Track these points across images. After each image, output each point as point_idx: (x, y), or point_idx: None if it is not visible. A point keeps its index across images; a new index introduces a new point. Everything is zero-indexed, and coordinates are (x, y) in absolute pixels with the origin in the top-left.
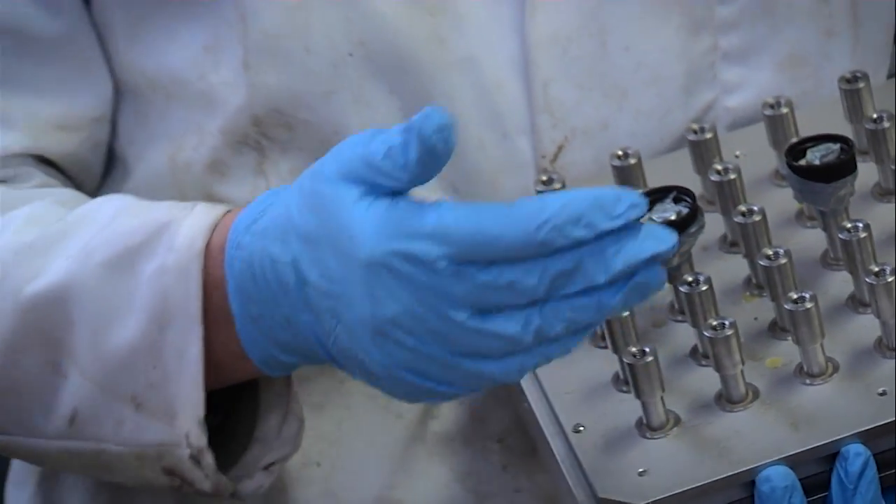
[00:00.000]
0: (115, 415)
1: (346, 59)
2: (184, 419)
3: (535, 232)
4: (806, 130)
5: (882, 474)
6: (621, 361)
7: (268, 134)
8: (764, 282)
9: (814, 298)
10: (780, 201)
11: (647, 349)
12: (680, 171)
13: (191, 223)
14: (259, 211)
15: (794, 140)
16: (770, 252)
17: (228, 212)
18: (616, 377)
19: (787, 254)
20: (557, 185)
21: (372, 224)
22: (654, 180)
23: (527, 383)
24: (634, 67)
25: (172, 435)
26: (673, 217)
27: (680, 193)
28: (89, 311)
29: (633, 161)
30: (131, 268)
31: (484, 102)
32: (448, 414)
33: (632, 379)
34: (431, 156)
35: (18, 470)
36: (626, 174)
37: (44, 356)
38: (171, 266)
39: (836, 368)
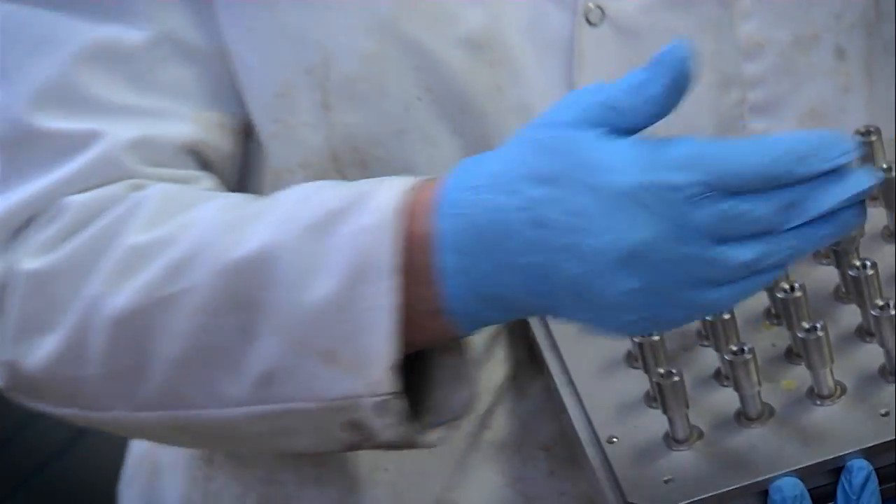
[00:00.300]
0: (307, 370)
1: (415, 103)
2: (374, 368)
3: (771, 165)
4: None
5: (883, 487)
6: (651, 381)
7: (344, 171)
8: (781, 312)
9: (824, 328)
10: None
11: (675, 370)
12: None
13: (387, 189)
14: (468, 173)
15: None
16: (787, 286)
17: (424, 180)
18: (647, 394)
19: (802, 288)
20: None
21: (623, 157)
22: None
23: (568, 399)
24: (670, 118)
25: (361, 385)
26: None
27: None
28: (288, 271)
29: None
30: (330, 230)
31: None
32: (501, 425)
33: (660, 396)
34: (677, 87)
35: (130, 471)
36: None
37: (238, 320)
38: (368, 225)
39: (843, 391)
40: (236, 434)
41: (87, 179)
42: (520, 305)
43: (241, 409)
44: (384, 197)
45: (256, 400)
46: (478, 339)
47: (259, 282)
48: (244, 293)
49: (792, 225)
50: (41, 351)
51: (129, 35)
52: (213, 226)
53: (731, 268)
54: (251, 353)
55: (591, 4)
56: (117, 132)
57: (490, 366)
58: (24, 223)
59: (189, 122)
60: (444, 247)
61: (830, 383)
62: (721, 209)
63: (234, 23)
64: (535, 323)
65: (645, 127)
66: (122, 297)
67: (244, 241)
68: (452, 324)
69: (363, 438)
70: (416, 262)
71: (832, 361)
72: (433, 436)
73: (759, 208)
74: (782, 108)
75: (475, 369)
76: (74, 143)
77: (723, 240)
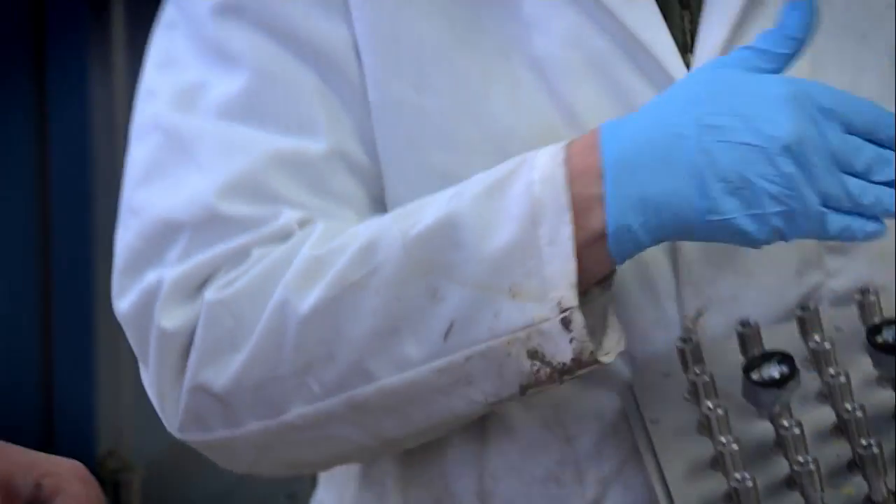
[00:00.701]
0: (492, 309)
1: None
2: (556, 289)
3: (880, 118)
4: (889, 313)
5: None
6: (729, 484)
7: None
8: (844, 429)
9: (879, 444)
10: (864, 366)
11: (749, 475)
12: (790, 339)
13: (545, 150)
14: (623, 118)
15: (875, 322)
16: (849, 406)
17: (575, 139)
18: (727, 495)
19: (862, 408)
20: (693, 344)
21: (773, 78)
22: (770, 344)
23: (661, 495)
24: (759, 254)
25: (544, 309)
26: (776, 376)
27: (783, 357)
28: (470, 229)
29: (752, 330)
30: (503, 190)
31: (643, 275)
32: None
33: (737, 498)
34: (808, 24)
35: None
36: (747, 339)
37: (427, 284)
38: (538, 178)
39: None
40: (414, 397)
41: (266, 243)
42: (676, 206)
43: (424, 367)
44: (547, 154)
45: (439, 354)
46: (588, 440)
47: (444, 246)
48: (431, 258)
49: (877, 179)
50: (232, 365)
51: (310, 147)
52: (384, 221)
53: (845, 193)
54: (437, 311)
55: None
56: (293, 215)
57: (600, 462)
58: (207, 277)
59: (354, 222)
60: (609, 164)
61: (884, 492)
62: (844, 138)
63: (387, 160)
64: (636, 427)
65: (786, 66)
66: (312, 295)
67: (422, 218)
68: (609, 250)
69: (542, 365)
70: (582, 194)
71: (886, 473)
72: (608, 355)
73: (866, 150)
74: (856, 250)
75: (615, 319)
76: (254, 223)
77: (840, 164)
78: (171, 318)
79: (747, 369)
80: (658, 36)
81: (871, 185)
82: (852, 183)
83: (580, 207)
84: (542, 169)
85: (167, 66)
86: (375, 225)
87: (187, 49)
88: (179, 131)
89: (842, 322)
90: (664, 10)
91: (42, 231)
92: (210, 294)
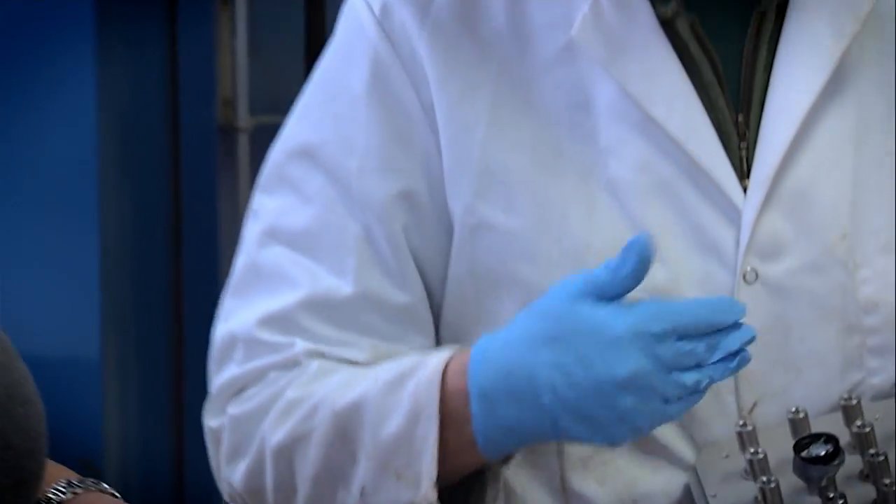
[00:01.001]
0: (385, 484)
1: None
2: (424, 483)
3: (708, 317)
4: None
5: None
6: None
7: None
8: (884, 501)
9: None
10: None
11: None
12: (835, 425)
13: (438, 354)
14: (490, 341)
15: None
16: (888, 481)
17: (460, 349)
18: None
19: None
20: (749, 428)
21: (610, 315)
22: (817, 429)
23: None
24: (806, 353)
25: (417, 496)
26: (823, 453)
27: (829, 438)
28: (374, 414)
29: (801, 416)
30: (401, 384)
31: None
32: None
33: None
34: (642, 268)
35: None
36: (797, 425)
37: (346, 449)
38: (423, 381)
39: None
40: None
41: (280, 368)
42: (534, 433)
43: None
44: (434, 361)
45: None
46: None
47: (356, 423)
48: (347, 431)
49: (714, 360)
50: (240, 469)
51: (342, 288)
52: (334, 384)
53: (682, 390)
54: (356, 472)
55: (748, 268)
56: (304, 346)
57: None
58: (241, 388)
59: (365, 352)
60: (475, 395)
61: None
62: (676, 347)
63: (474, 274)
64: (699, 501)
65: (622, 296)
66: (277, 436)
67: (347, 393)
68: (482, 453)
69: None
70: (456, 410)
71: None
72: None
73: (698, 347)
74: (893, 352)
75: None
76: (276, 349)
77: (674, 370)
78: (213, 419)
79: (797, 448)
80: (718, 163)
81: (707, 368)
82: (690, 378)
83: (455, 419)
84: (428, 373)
85: (264, 191)
86: (332, 384)
87: (276, 180)
88: (258, 261)
89: (880, 414)
90: (723, 140)
91: (175, 312)
92: (231, 408)
